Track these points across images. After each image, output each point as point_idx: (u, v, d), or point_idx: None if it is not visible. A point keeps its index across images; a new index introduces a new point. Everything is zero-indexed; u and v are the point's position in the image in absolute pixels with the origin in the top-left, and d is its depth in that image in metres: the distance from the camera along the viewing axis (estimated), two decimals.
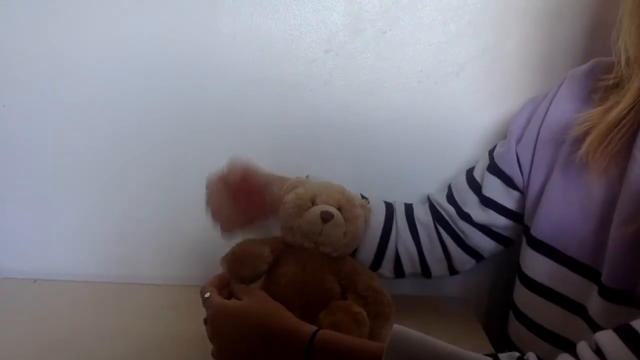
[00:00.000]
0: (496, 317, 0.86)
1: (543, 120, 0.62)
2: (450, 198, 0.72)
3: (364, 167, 0.81)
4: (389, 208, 0.73)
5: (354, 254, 0.71)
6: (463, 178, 0.72)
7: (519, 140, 0.65)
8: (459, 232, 0.70)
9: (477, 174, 0.70)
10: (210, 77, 0.77)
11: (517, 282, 0.65)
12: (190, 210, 0.82)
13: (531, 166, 0.63)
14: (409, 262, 0.72)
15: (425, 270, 0.73)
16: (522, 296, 0.63)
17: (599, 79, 0.56)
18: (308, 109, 0.78)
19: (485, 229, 0.68)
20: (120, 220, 0.84)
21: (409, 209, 0.74)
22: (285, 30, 0.75)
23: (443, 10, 0.74)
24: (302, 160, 0.80)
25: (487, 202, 0.67)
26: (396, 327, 0.46)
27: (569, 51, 0.75)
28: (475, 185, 0.69)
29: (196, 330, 0.67)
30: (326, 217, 0.61)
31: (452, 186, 0.73)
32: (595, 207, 0.54)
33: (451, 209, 0.70)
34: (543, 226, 0.60)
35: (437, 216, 0.72)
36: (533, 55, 0.76)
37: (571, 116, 0.57)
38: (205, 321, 0.60)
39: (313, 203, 0.63)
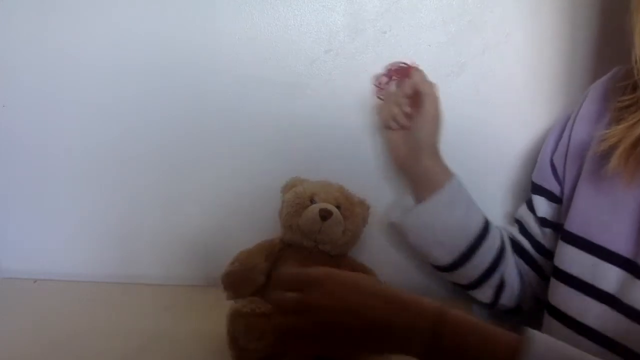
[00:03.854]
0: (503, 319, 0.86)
1: (570, 136, 0.64)
2: (523, 229, 0.72)
3: (364, 167, 0.80)
4: (503, 244, 0.73)
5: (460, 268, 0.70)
6: (524, 207, 0.72)
7: (554, 151, 0.66)
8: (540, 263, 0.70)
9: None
10: (210, 77, 0.77)
11: (552, 280, 0.65)
12: (191, 210, 0.83)
13: (564, 171, 0.64)
14: (510, 295, 0.72)
15: (517, 306, 0.73)
16: (558, 293, 0.63)
17: (619, 100, 0.57)
18: (308, 109, 0.78)
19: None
20: (120, 221, 0.84)
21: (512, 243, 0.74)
22: (286, 30, 0.75)
23: (443, 10, 0.74)
24: (302, 160, 0.80)
25: (544, 222, 0.68)
26: (532, 332, 0.42)
27: (570, 50, 0.75)
28: (532, 209, 0.70)
29: (195, 330, 0.67)
30: (325, 215, 0.61)
31: (519, 218, 0.73)
32: (628, 206, 0.55)
33: (525, 240, 0.71)
34: (576, 220, 0.60)
35: (517, 248, 0.72)
36: (533, 55, 0.76)
37: (594, 133, 0.59)
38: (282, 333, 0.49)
39: (312, 201, 0.63)
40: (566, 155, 0.64)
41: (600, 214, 0.58)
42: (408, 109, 0.67)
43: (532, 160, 0.79)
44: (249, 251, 0.64)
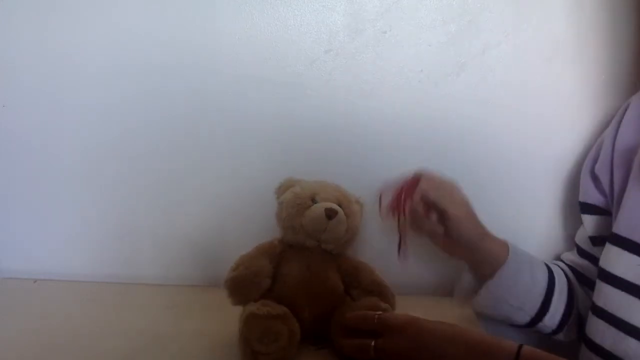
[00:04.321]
0: None
1: (614, 144, 0.65)
2: (580, 251, 0.73)
3: (364, 167, 0.80)
4: (570, 282, 0.72)
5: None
6: (582, 228, 0.72)
7: (594, 164, 0.67)
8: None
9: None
10: (210, 77, 0.77)
11: (598, 282, 0.65)
12: (191, 210, 0.83)
13: (611, 179, 0.65)
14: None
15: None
16: (603, 293, 0.63)
17: None
18: (308, 109, 0.78)
19: None
20: (120, 221, 0.84)
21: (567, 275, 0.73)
22: (286, 30, 0.75)
23: (443, 10, 0.74)
24: (302, 161, 0.80)
25: (593, 241, 0.69)
26: None
27: (569, 50, 0.76)
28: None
29: (196, 329, 0.67)
30: (331, 214, 0.61)
31: (578, 242, 0.74)
32: None
33: (586, 262, 0.71)
34: (623, 222, 0.61)
35: (581, 277, 0.72)
36: (533, 55, 0.76)
37: (638, 141, 0.61)
38: None
39: (313, 201, 0.63)
40: (612, 163, 0.65)
41: None
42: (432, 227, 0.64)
43: (531, 160, 0.80)
44: (251, 255, 0.64)
